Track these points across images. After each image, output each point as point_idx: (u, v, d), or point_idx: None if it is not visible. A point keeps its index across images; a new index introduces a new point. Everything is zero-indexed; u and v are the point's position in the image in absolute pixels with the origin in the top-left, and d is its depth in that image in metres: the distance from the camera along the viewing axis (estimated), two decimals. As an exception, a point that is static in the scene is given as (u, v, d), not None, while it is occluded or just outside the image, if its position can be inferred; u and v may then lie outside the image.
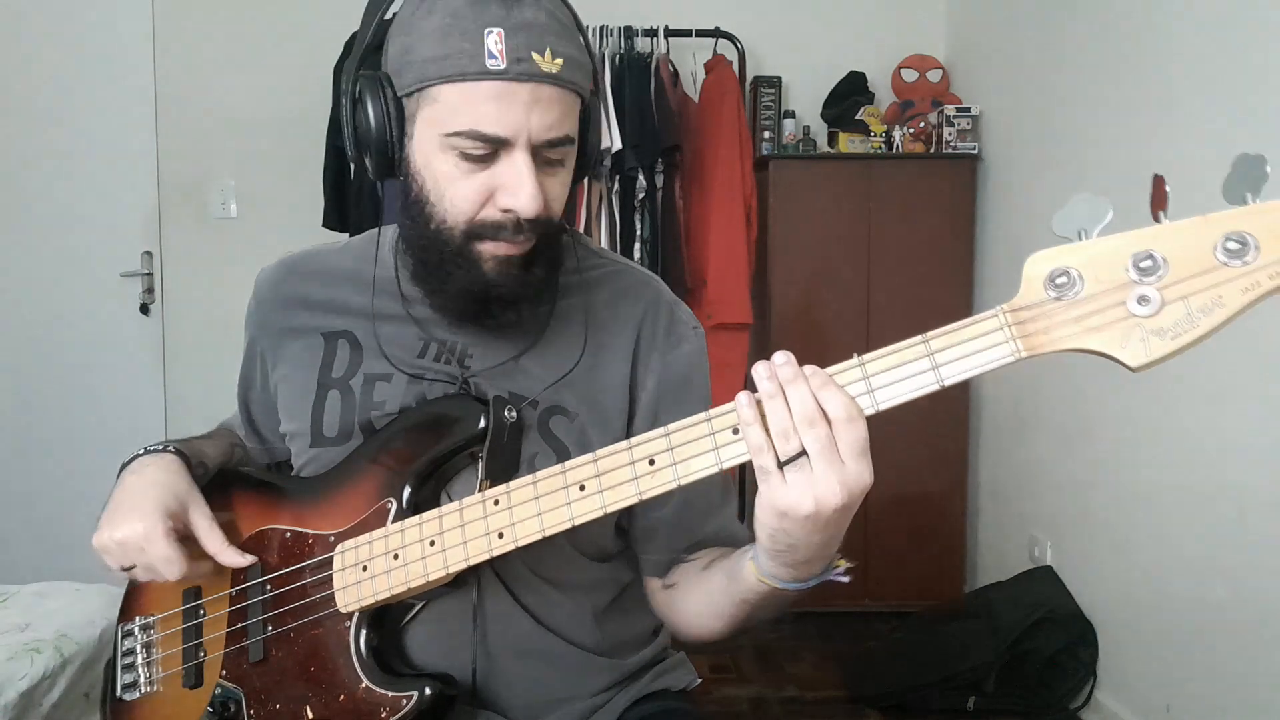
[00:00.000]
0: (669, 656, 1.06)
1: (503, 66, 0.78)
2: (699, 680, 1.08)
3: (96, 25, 3.08)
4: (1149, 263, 0.60)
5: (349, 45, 2.90)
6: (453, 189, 0.83)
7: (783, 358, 0.67)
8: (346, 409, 0.94)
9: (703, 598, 0.88)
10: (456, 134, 0.81)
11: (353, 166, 3.10)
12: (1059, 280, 0.62)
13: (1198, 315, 0.59)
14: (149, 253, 3.17)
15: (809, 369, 0.66)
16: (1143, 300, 0.60)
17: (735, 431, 0.69)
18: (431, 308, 0.91)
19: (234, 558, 0.90)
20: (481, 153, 0.81)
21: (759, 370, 0.67)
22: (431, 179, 0.84)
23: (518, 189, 0.81)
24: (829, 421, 0.65)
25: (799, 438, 0.65)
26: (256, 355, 1.03)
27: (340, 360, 0.95)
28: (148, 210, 3.17)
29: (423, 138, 0.84)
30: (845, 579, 0.74)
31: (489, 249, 0.84)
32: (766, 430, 0.66)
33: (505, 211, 0.83)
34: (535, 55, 0.79)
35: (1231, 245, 0.58)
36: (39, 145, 3.08)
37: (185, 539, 0.90)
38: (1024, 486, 2.80)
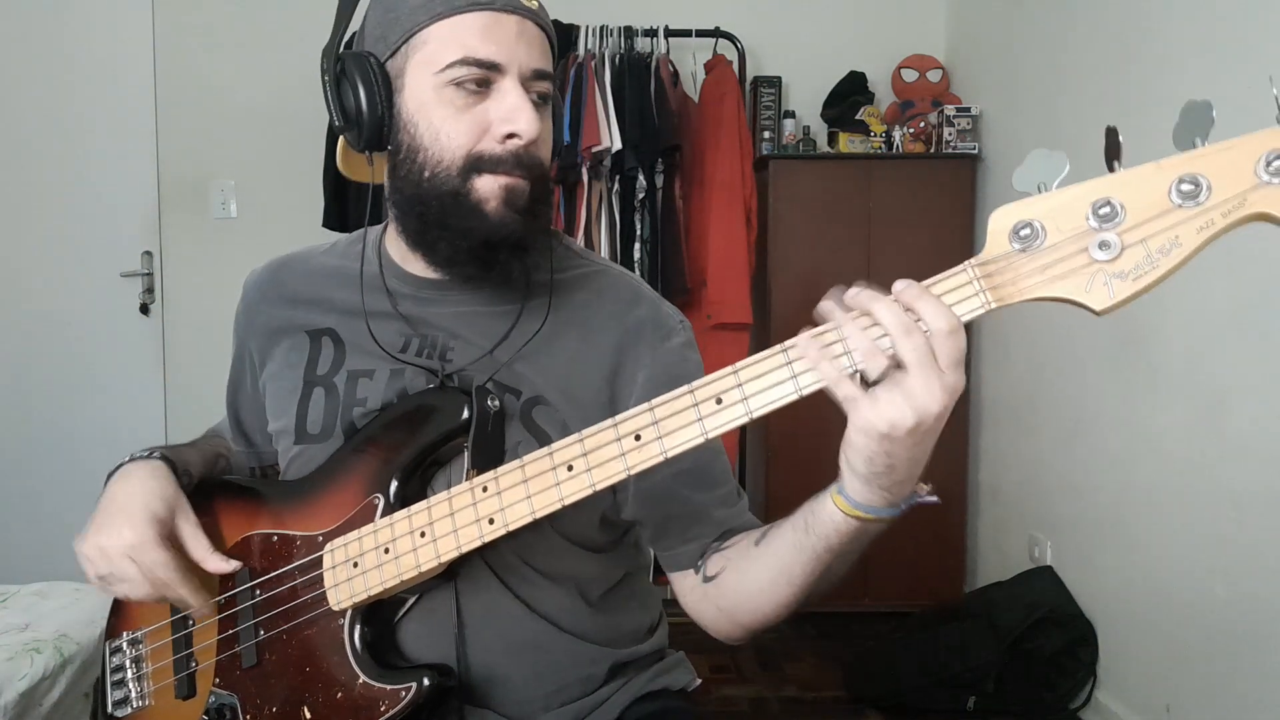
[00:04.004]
0: (668, 655, 1.06)
1: None
2: (699, 681, 1.07)
3: (97, 25, 3.09)
4: (1107, 210, 0.62)
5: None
6: (448, 126, 0.85)
7: (857, 288, 0.67)
8: (330, 406, 0.94)
9: (766, 569, 0.82)
10: (450, 65, 0.83)
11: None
12: (1023, 233, 0.64)
13: (1157, 256, 0.61)
14: (149, 253, 3.17)
15: (902, 284, 0.65)
16: (1104, 246, 0.62)
17: (719, 401, 0.70)
18: (433, 266, 0.91)
19: (219, 564, 0.90)
20: (476, 79, 0.83)
21: (825, 304, 0.67)
22: (426, 123, 0.85)
23: (515, 114, 0.83)
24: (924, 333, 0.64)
25: (884, 355, 0.64)
26: (245, 356, 1.04)
27: (325, 357, 0.96)
28: (148, 210, 3.17)
29: (415, 85, 0.86)
30: (935, 499, 0.73)
31: (487, 185, 0.85)
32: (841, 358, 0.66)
33: (508, 138, 0.84)
34: None
35: (1185, 187, 0.60)
36: (39, 145, 3.09)
37: (173, 545, 0.90)
38: (1024, 486, 2.79)
